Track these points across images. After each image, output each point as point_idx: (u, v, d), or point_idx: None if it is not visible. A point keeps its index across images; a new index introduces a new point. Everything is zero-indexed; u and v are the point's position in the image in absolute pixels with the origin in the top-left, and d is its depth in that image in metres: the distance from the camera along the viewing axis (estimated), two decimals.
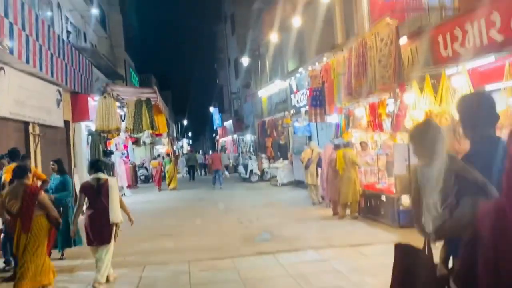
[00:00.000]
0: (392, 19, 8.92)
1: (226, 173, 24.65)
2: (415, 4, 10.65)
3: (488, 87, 6.99)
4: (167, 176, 20.42)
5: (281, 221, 10.29)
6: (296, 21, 15.15)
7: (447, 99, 7.16)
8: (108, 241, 5.88)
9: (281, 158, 20.03)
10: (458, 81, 6.81)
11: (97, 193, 5.92)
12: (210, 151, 39.18)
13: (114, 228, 5.96)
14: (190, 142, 70.74)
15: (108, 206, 5.85)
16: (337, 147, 10.68)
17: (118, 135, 15.42)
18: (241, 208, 13.10)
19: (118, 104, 14.70)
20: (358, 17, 13.58)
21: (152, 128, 14.98)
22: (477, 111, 2.70)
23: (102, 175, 6.09)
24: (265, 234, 8.82)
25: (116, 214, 5.91)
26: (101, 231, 5.85)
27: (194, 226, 10.63)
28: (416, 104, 7.91)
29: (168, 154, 22.89)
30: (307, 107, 13.56)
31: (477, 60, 6.95)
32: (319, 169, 12.13)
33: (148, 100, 14.85)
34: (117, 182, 7.10)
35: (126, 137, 19.27)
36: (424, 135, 2.88)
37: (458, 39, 7.72)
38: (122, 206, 6.15)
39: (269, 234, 8.76)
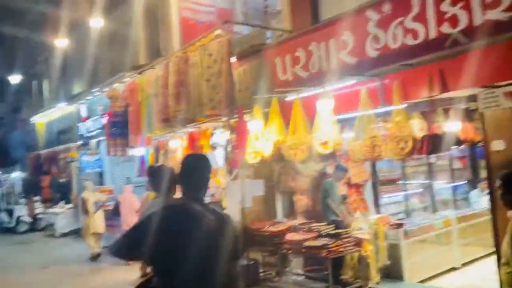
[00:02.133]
0: (224, 32, 7.39)
1: None
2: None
3: (345, 115, 5.97)
4: None
5: None
6: (83, 37, 12.37)
7: (303, 128, 5.85)
8: None
9: (63, 201, 16.07)
10: (323, 106, 5.58)
11: None
12: None
13: None
14: None
15: None
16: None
17: None
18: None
19: None
20: (166, 37, 11.81)
21: None
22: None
23: None
24: None
25: None
26: None
27: None
28: (260, 134, 6.43)
29: None
30: (105, 136, 10.75)
31: (333, 84, 5.87)
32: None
33: None
34: None
35: None
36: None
37: (300, 61, 6.65)
38: None
39: None
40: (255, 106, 6.50)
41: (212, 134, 8.36)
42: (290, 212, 7.91)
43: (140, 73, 9.81)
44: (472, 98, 5.21)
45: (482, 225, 8.53)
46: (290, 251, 6.33)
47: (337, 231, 6.28)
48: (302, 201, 7.87)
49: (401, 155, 5.34)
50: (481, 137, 5.58)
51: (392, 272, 7.00)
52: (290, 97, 6.67)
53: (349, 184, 8.27)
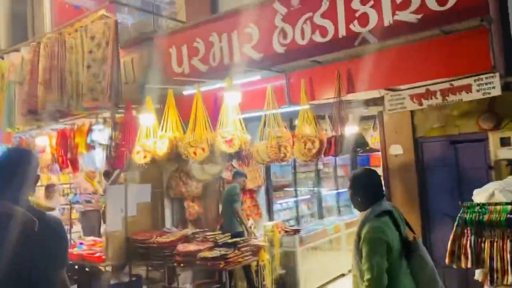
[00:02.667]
0: (110, 13, 6.41)
1: None
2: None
3: (249, 113, 5.48)
4: None
5: None
6: None
7: (203, 125, 5.19)
8: None
9: None
10: (229, 100, 4.98)
11: None
12: None
13: None
14: None
15: None
16: None
17: None
18: None
19: None
20: (37, 16, 10.19)
21: None
22: None
23: None
24: None
25: None
26: None
27: None
28: (153, 130, 5.60)
29: None
30: None
31: (236, 79, 5.36)
32: None
33: None
34: None
35: None
36: None
37: (198, 53, 6.03)
38: None
39: None
40: (147, 98, 5.66)
41: (90, 131, 7.20)
42: (180, 220, 7.15)
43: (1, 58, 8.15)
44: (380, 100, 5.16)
45: None
46: (182, 264, 5.59)
47: (234, 239, 5.73)
48: (194, 208, 7.18)
49: (308, 156, 5.04)
50: (380, 141, 5.57)
51: (287, 281, 6.70)
52: (188, 91, 5.98)
53: (244, 190, 7.83)
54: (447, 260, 3.80)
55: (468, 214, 3.59)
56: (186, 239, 6.02)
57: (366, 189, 2.84)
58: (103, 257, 5.98)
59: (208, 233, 6.02)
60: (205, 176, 6.84)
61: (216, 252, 5.46)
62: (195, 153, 5.00)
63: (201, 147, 5.02)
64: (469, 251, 3.58)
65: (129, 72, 6.66)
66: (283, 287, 6.64)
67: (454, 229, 3.72)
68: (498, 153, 4.64)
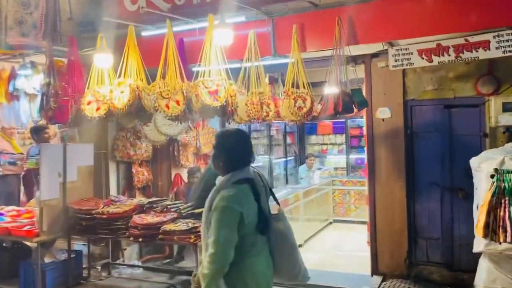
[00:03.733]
0: None
1: None
2: None
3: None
4: None
5: None
6: None
7: (176, 73, 4.21)
8: None
9: None
10: (220, 39, 4.02)
11: None
12: None
13: None
14: None
15: None
16: None
17: None
18: None
19: None
20: None
21: None
22: None
23: None
24: None
25: None
26: None
27: None
28: (108, 76, 4.51)
29: None
30: None
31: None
32: None
33: None
34: None
35: None
36: None
37: None
38: None
39: None
40: (98, 36, 4.51)
41: (12, 77, 5.83)
42: (127, 188, 6.14)
43: None
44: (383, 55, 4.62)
45: (319, 199, 8.53)
46: (141, 239, 4.68)
47: (201, 209, 4.94)
48: (142, 174, 6.21)
49: (298, 115, 4.35)
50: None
51: None
52: (148, 32, 4.93)
53: (197, 155, 7.00)
54: (479, 233, 3.40)
55: (506, 183, 3.20)
56: (141, 209, 5.09)
57: (232, 151, 2.52)
58: (36, 230, 4.85)
59: (168, 203, 5.15)
60: (160, 137, 5.88)
61: (182, 225, 4.64)
62: (167, 106, 4.06)
63: (175, 99, 4.08)
64: (508, 223, 3.19)
65: (73, 5, 5.37)
66: None
67: (488, 199, 3.32)
68: (500, 118, 4.35)
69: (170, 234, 4.55)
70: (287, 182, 9.85)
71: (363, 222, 9.12)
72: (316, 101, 4.46)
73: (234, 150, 2.52)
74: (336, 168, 10.32)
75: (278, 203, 2.75)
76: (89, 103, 4.42)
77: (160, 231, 4.58)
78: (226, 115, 4.13)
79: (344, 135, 10.49)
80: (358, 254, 6.90)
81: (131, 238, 4.75)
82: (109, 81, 4.52)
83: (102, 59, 4.24)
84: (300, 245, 7.32)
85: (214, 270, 2.29)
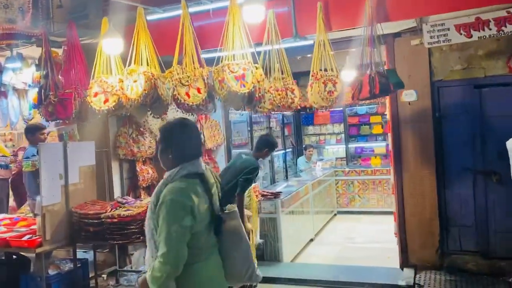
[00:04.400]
0: None
1: None
2: None
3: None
4: None
5: None
6: None
7: (193, 57, 3.78)
8: None
9: None
10: (250, 16, 3.60)
11: None
12: None
13: None
14: None
15: None
16: None
17: None
18: None
19: None
20: None
21: None
22: None
23: None
24: None
25: None
26: None
27: None
28: (117, 64, 4.05)
29: None
30: None
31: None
32: None
33: None
34: None
35: None
36: None
37: None
38: None
39: None
40: (103, 20, 4.04)
41: None
42: (131, 188, 5.67)
43: None
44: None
45: (324, 191, 8.24)
46: None
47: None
48: (147, 172, 5.75)
49: (328, 100, 4.02)
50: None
51: (268, 252, 5.75)
52: (154, 16, 4.47)
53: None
54: None
55: None
56: None
57: (180, 144, 2.28)
58: (38, 240, 4.36)
59: None
60: None
61: None
62: (188, 94, 3.64)
63: (195, 86, 3.66)
64: None
65: None
66: (263, 259, 5.68)
67: None
68: None
69: None
70: (286, 175, 9.52)
71: (368, 213, 8.96)
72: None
73: (182, 141, 2.27)
74: (336, 158, 10.05)
75: (240, 199, 2.65)
76: (95, 94, 3.95)
77: None
78: (252, 103, 3.74)
79: (342, 124, 10.22)
80: (374, 246, 6.66)
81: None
82: (117, 70, 4.05)
83: (111, 44, 3.77)
84: (312, 239, 7.03)
85: (167, 272, 2.03)
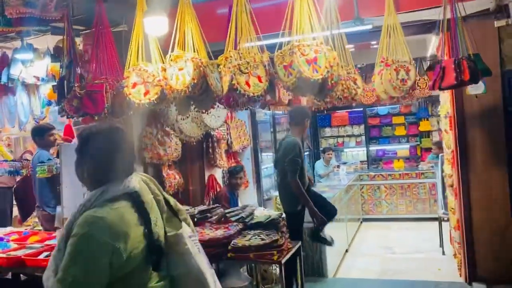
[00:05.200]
0: None
1: None
2: None
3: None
4: None
5: None
6: None
7: (249, 40, 3.20)
8: None
9: None
10: None
11: None
12: None
13: None
14: None
15: None
16: None
17: None
18: None
19: None
20: None
21: None
22: None
23: None
24: None
25: None
26: None
27: None
28: (156, 51, 3.43)
29: None
30: None
31: None
32: None
33: None
34: None
35: None
36: None
37: None
38: None
39: None
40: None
41: (4, 64, 4.63)
42: None
43: None
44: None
45: (350, 197, 7.68)
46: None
47: (268, 215, 3.96)
48: (174, 178, 5.12)
49: (401, 90, 3.47)
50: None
51: (310, 266, 5.15)
52: None
53: (228, 153, 5.97)
54: None
55: None
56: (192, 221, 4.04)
57: (102, 157, 1.76)
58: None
59: (226, 211, 4.13)
60: (199, 131, 4.83)
61: (255, 238, 3.64)
62: (248, 83, 3.05)
63: (256, 74, 3.08)
64: None
65: None
66: (308, 274, 5.08)
67: None
68: None
69: (244, 251, 3.53)
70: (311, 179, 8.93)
71: (397, 219, 8.41)
72: None
73: (104, 154, 1.75)
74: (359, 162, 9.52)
75: (178, 218, 1.94)
76: (134, 85, 3.33)
77: (230, 247, 3.57)
78: (323, 92, 3.15)
79: (362, 126, 9.71)
80: (417, 256, 6.11)
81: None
82: (159, 57, 3.44)
83: (154, 23, 3.16)
84: (347, 250, 6.45)
85: None
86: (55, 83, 4.37)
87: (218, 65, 3.28)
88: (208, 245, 3.63)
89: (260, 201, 6.32)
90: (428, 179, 8.00)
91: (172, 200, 1.95)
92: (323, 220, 4.16)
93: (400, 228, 7.76)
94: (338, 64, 3.08)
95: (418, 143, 9.31)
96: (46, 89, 4.69)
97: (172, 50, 3.34)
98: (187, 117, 4.59)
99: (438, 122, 9.07)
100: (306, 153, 9.61)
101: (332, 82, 3.07)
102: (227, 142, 5.83)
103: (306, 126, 4.34)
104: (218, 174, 5.71)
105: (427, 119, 9.11)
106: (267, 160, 7.06)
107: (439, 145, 8.18)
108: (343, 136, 9.96)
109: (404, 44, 3.59)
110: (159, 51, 3.46)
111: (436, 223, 6.09)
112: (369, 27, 3.86)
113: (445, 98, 5.03)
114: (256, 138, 6.42)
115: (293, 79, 3.01)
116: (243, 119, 6.27)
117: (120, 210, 1.68)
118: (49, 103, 4.60)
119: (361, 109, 9.48)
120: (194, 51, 3.31)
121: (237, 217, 4.02)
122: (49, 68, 4.35)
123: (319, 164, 8.98)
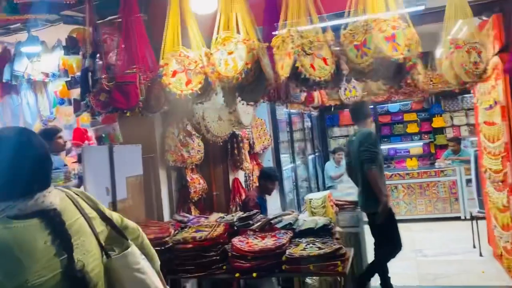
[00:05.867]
0: None
1: None
2: None
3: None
4: None
5: None
6: None
7: (315, 16, 2.77)
8: None
9: None
10: None
11: None
12: None
13: None
14: None
15: None
16: None
17: None
18: None
19: None
20: None
21: None
22: None
23: None
24: None
25: None
26: None
27: None
28: (197, 35, 2.98)
29: None
30: None
31: None
32: None
33: None
34: None
35: None
36: None
37: None
38: None
39: None
40: None
41: (7, 60, 4.10)
42: (181, 201, 4.53)
43: None
44: None
45: None
46: (254, 274, 3.17)
47: (318, 220, 3.54)
48: (198, 182, 4.64)
49: (473, 74, 3.08)
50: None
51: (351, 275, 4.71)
52: None
53: (250, 154, 5.51)
54: None
55: None
56: (231, 229, 3.59)
57: (4, 168, 1.45)
58: None
59: (270, 217, 3.69)
60: (227, 130, 4.37)
61: (310, 247, 3.21)
62: (313, 66, 2.62)
63: (320, 56, 2.65)
64: None
65: None
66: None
67: None
68: None
69: (301, 263, 3.09)
70: (322, 183, 8.54)
71: (416, 220, 8.06)
72: None
73: (8, 164, 1.44)
74: None
75: (125, 237, 1.65)
76: (174, 73, 2.86)
77: (285, 258, 3.12)
78: (400, 76, 2.74)
79: (372, 124, 9.36)
80: (452, 258, 5.76)
81: (237, 274, 3.23)
82: (200, 41, 2.98)
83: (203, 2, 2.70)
84: None
85: None
86: (69, 79, 3.87)
87: (268, 48, 2.86)
88: (258, 256, 3.19)
89: (283, 206, 5.88)
90: (447, 177, 7.68)
91: (116, 217, 1.69)
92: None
93: (422, 229, 7.41)
94: (417, 41, 2.67)
95: (432, 140, 9.02)
96: (55, 87, 4.17)
97: (218, 33, 2.89)
98: (230, 111, 4.12)
99: (451, 118, 8.80)
100: (315, 155, 9.24)
101: (410, 63, 2.67)
102: (249, 142, 5.38)
103: (371, 118, 4.28)
104: (241, 177, 5.25)
105: (441, 115, 8.82)
106: (285, 161, 6.63)
107: (457, 141, 7.90)
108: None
109: (472, 23, 3.22)
110: (199, 34, 3.00)
111: (460, 222, 5.80)
112: (422, 7, 3.49)
113: (488, 89, 4.69)
114: (277, 138, 5.99)
115: (369, 59, 2.60)
116: (263, 118, 5.84)
117: (17, 230, 1.36)
118: (61, 102, 4.08)
119: (371, 107, 9.14)
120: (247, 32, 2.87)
121: (284, 223, 3.59)
122: (62, 61, 3.84)
123: (330, 165, 8.58)
